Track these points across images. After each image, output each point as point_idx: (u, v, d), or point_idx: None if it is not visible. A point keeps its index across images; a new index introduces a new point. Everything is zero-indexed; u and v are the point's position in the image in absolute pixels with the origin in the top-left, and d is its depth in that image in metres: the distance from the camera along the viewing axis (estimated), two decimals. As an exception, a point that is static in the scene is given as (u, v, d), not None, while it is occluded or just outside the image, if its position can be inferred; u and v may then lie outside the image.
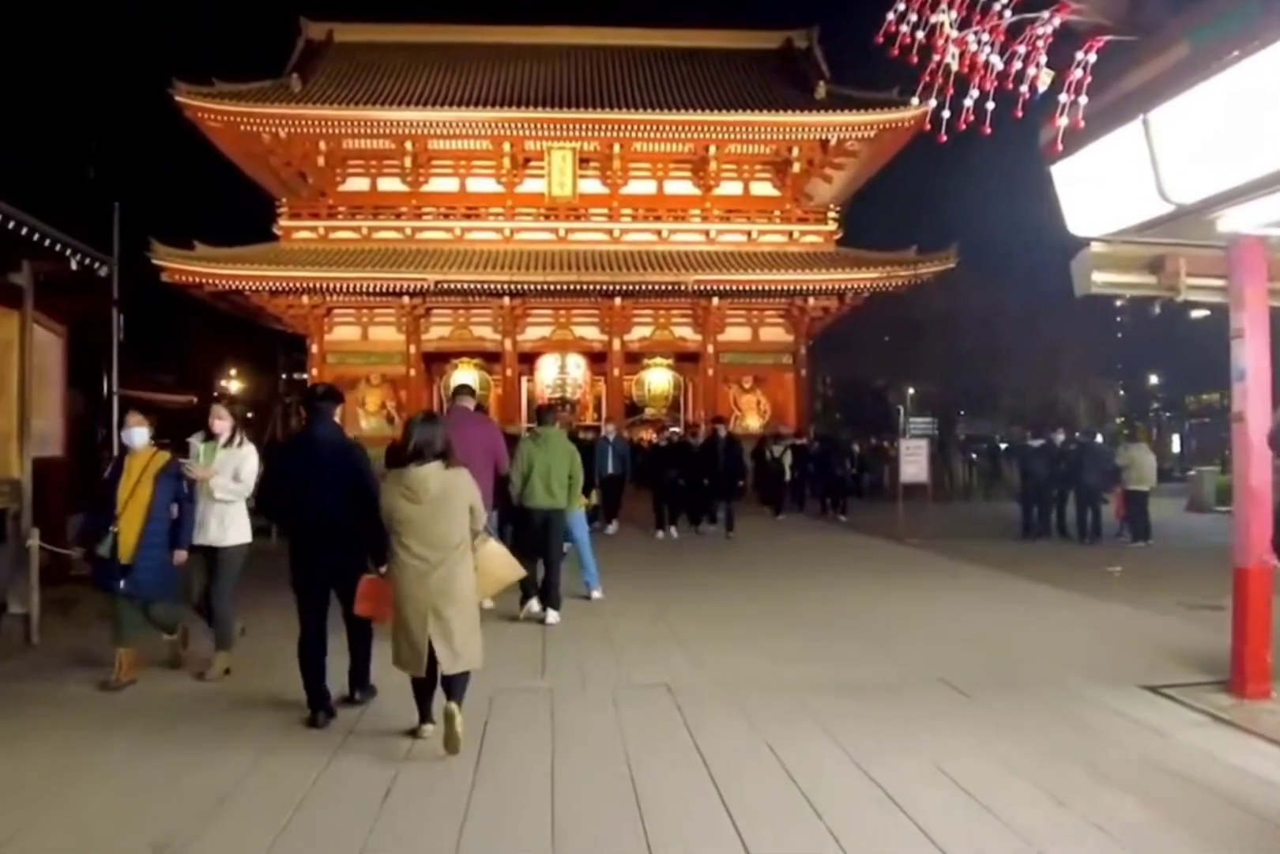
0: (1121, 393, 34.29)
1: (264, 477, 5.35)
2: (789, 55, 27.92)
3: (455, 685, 4.30)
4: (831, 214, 25.74)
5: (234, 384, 36.52)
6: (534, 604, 7.48)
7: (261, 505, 5.48)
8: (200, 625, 5.92)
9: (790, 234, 25.48)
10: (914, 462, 12.94)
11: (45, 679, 5.54)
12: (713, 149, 25.24)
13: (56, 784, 3.93)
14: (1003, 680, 5.49)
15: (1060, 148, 4.07)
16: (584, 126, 23.73)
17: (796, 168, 25.70)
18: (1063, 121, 3.95)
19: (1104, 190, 4.69)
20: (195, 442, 5.82)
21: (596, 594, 8.32)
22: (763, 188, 26.41)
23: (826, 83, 25.12)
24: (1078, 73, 3.98)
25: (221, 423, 5.76)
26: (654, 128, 23.92)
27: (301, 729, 4.57)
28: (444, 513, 4.27)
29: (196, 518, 5.60)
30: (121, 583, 5.35)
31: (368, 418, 24.89)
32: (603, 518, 14.33)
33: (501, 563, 4.78)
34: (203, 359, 39.64)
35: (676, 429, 20.82)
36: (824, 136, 24.61)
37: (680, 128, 24.02)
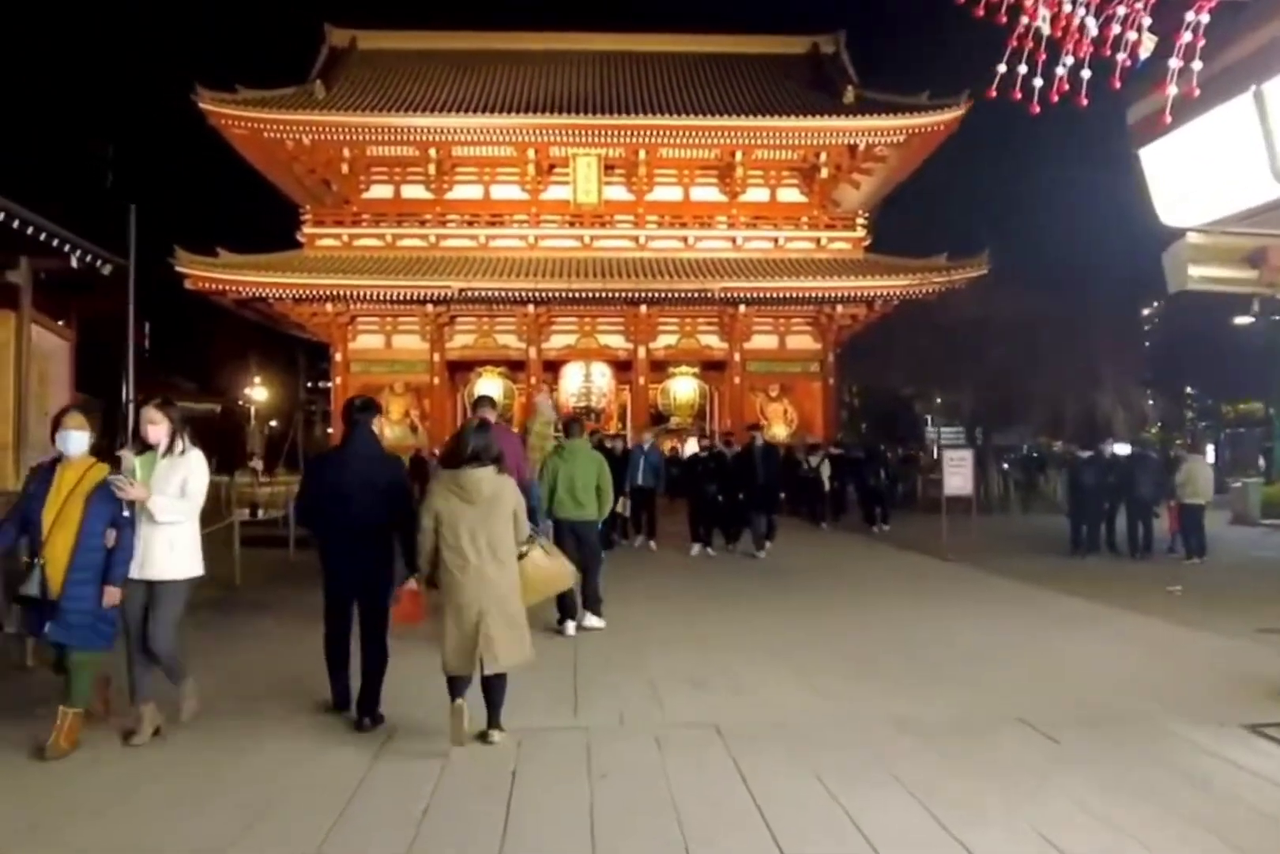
0: (1150, 402, 33.22)
1: (302, 485, 5.32)
2: (815, 61, 27.53)
3: (494, 692, 4.48)
4: (860, 220, 25.26)
5: (258, 392, 36.39)
6: (570, 626, 7.28)
7: (299, 514, 5.55)
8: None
9: (818, 240, 25.01)
10: (958, 473, 12.27)
11: (30, 709, 5.06)
12: (739, 155, 24.86)
13: (45, 821, 3.53)
14: (1086, 718, 4.95)
15: (1168, 120, 3.56)
16: (609, 132, 23.40)
17: (824, 173, 25.27)
18: (1172, 91, 3.45)
19: (1204, 173, 4.18)
20: (127, 454, 4.68)
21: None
22: (790, 194, 25.98)
23: (855, 87, 24.73)
24: (1187, 36, 3.51)
25: (157, 429, 4.62)
26: (680, 133, 23.59)
27: (303, 781, 4.07)
28: (494, 515, 4.40)
29: (138, 544, 4.50)
30: (46, 627, 4.31)
31: (391, 427, 24.56)
32: (633, 531, 13.81)
33: (549, 572, 4.86)
34: (227, 367, 39.65)
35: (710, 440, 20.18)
36: (852, 142, 24.18)
37: (706, 133, 23.68)
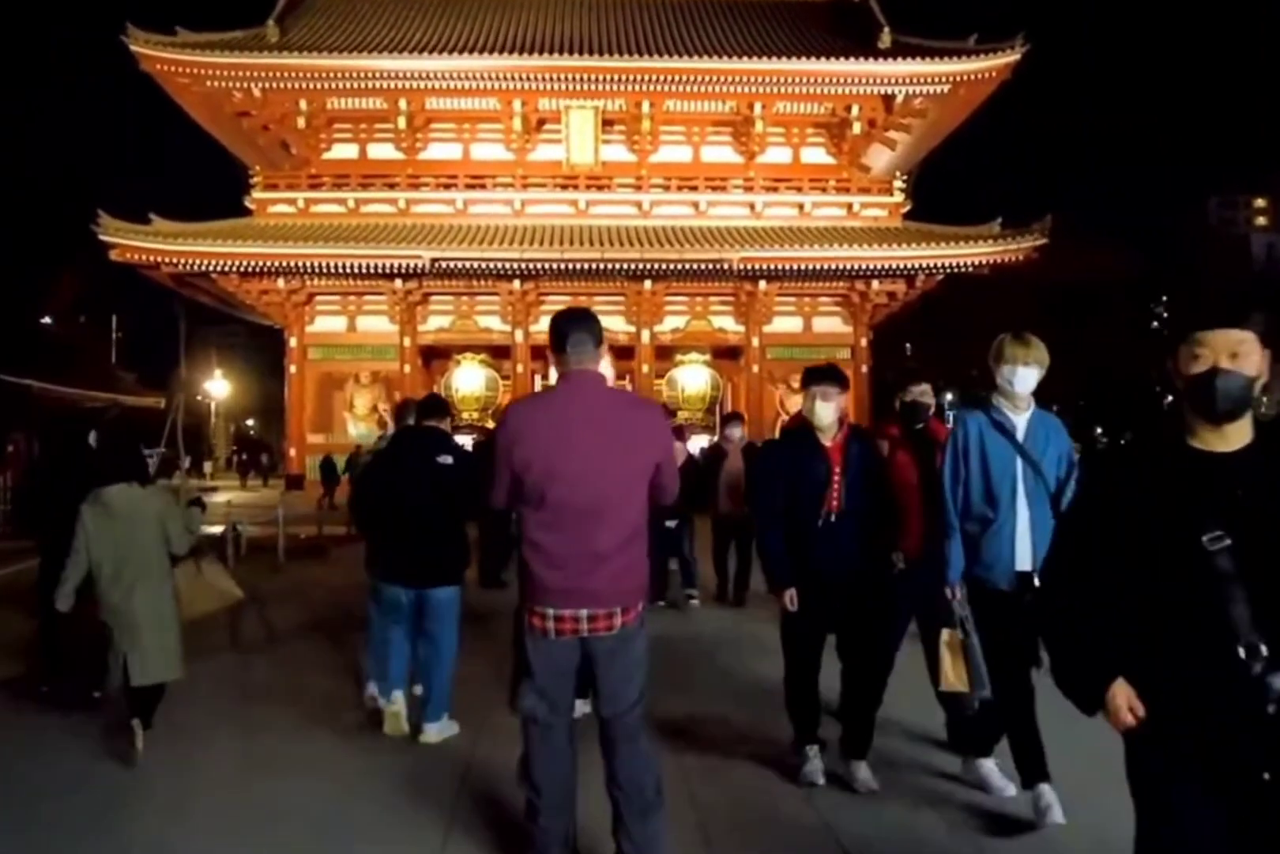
0: None
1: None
2: (841, 7, 24.22)
3: (148, 699, 4.28)
4: (898, 184, 21.98)
5: (217, 386, 32.96)
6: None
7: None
8: None
9: (849, 206, 21.76)
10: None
11: None
12: (758, 108, 21.60)
13: None
14: None
15: None
16: (608, 78, 20.11)
17: (856, 130, 22.04)
18: None
19: None
20: None
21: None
22: (816, 154, 22.76)
23: (890, 31, 21.47)
24: None
25: None
26: (691, 80, 20.35)
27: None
28: (138, 530, 4.29)
29: None
30: None
31: (356, 423, 21.32)
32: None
33: (212, 586, 4.92)
34: (197, 359, 36.42)
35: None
36: (889, 91, 20.98)
37: (721, 80, 20.44)
